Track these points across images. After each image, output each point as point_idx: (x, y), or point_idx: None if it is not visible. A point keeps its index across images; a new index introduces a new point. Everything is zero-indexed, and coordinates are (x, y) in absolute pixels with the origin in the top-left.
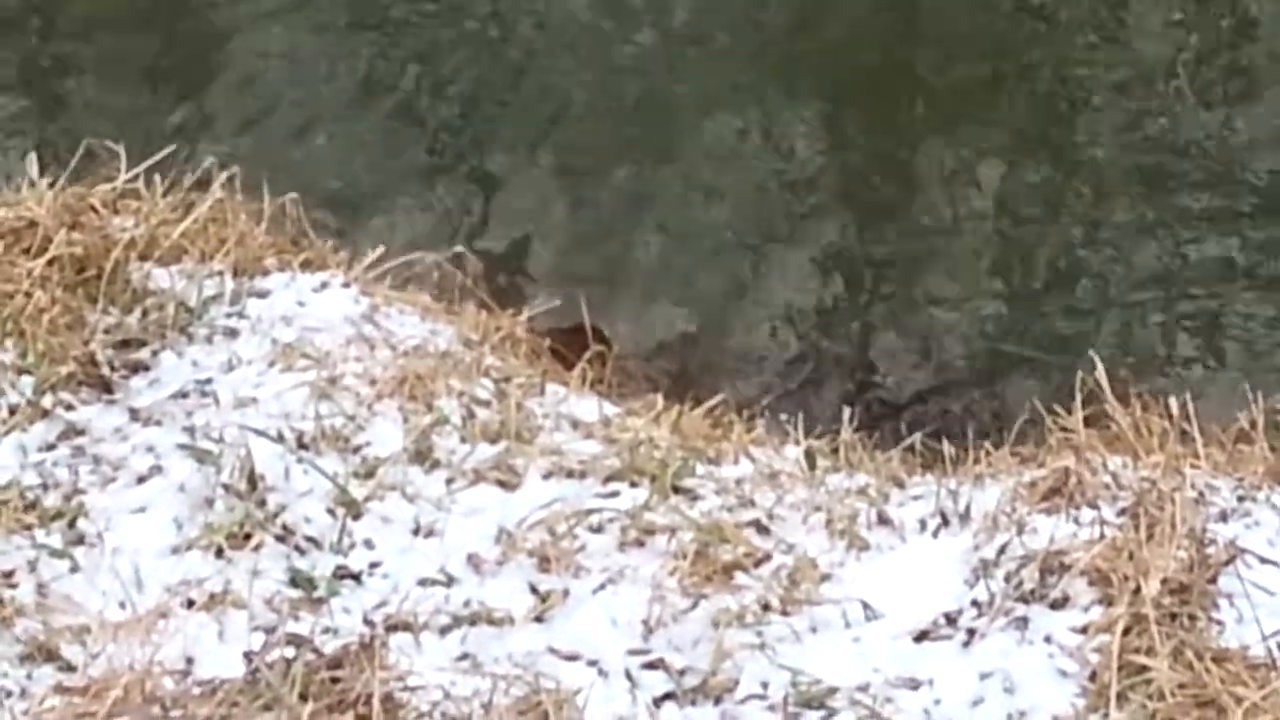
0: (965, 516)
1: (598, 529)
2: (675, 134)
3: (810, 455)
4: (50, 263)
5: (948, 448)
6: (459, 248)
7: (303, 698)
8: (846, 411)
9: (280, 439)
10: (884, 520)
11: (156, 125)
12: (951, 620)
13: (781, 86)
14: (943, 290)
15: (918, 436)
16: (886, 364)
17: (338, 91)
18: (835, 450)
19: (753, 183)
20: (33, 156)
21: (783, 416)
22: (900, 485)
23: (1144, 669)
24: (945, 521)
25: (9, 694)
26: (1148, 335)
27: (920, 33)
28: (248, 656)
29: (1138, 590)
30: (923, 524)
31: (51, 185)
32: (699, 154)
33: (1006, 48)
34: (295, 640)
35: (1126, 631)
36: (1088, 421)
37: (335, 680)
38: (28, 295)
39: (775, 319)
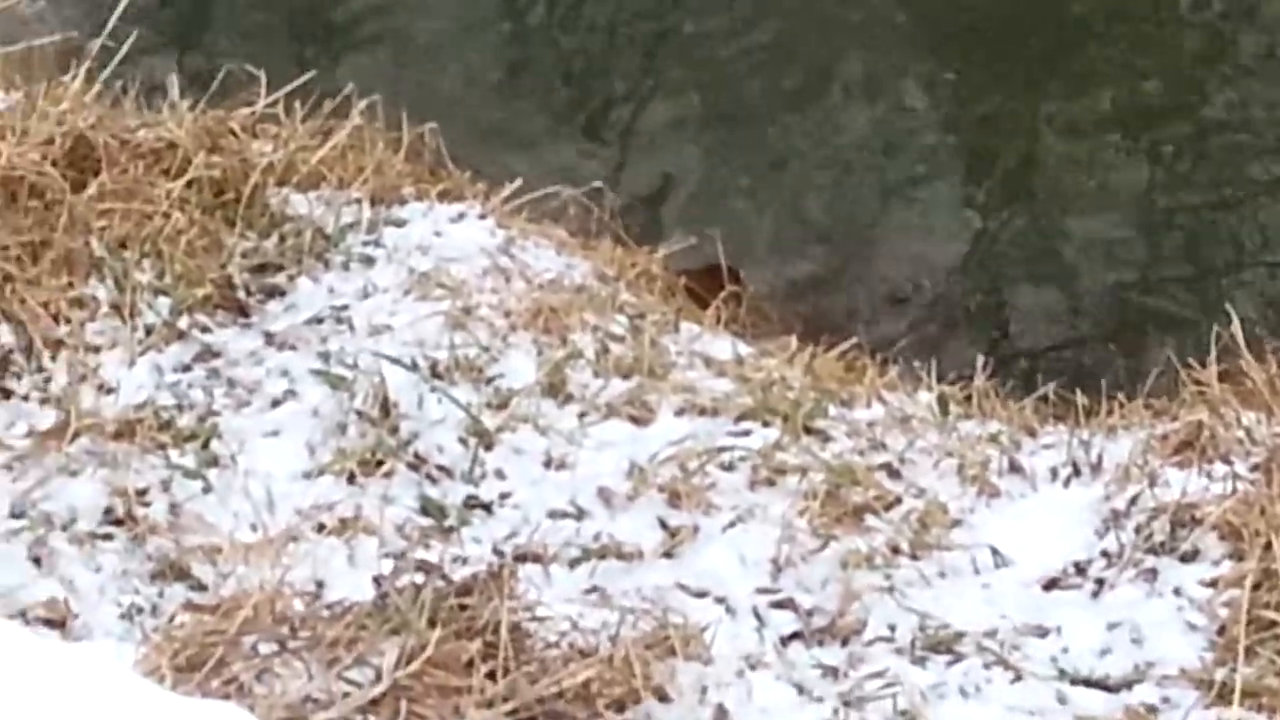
0: (1097, 467)
1: (729, 467)
2: (814, 80)
3: (943, 400)
4: (189, 185)
5: (1080, 398)
6: (597, 183)
7: (431, 624)
8: (980, 359)
9: (414, 367)
10: (1015, 468)
11: (297, 51)
12: (1081, 570)
13: (918, 36)
14: (1079, 241)
15: (1051, 386)
16: (1021, 313)
17: (480, 22)
18: (968, 397)
19: (891, 129)
20: (173, 78)
21: (915, 362)
22: (1032, 434)
23: (1273, 624)
24: (1077, 471)
25: (140, 610)
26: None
27: None
28: (377, 581)
29: (1269, 546)
30: (1054, 473)
31: (192, 108)
32: (838, 99)
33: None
34: (425, 567)
35: (1256, 586)
36: (1222, 377)
37: (464, 608)
38: (166, 216)
39: (910, 265)
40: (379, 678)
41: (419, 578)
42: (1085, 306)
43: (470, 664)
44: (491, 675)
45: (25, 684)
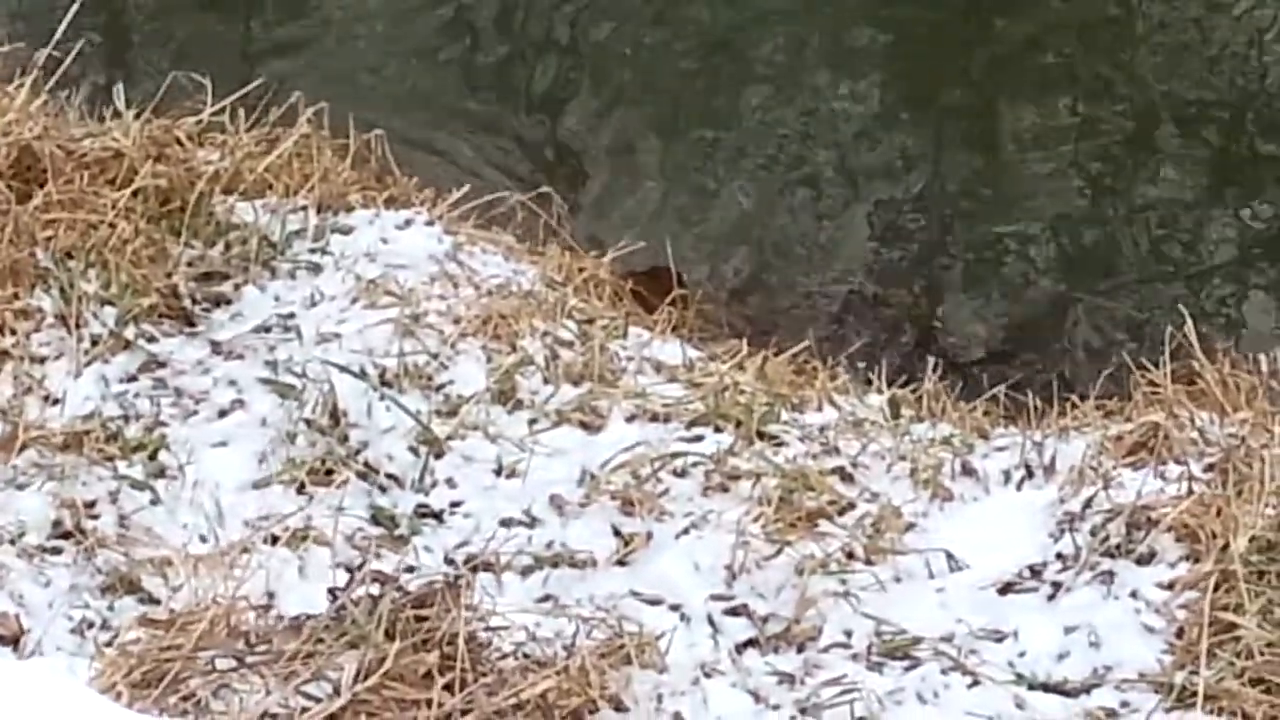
0: (1050, 469)
1: (681, 473)
2: (757, 85)
3: (894, 404)
4: (135, 194)
5: (1032, 399)
6: (544, 188)
7: (388, 636)
8: (930, 361)
9: (363, 375)
10: (968, 471)
11: (242, 60)
12: (1036, 573)
13: (861, 39)
14: (1027, 243)
15: (1002, 388)
16: (969, 315)
17: (424, 30)
18: (919, 400)
19: (833, 134)
20: (119, 87)
21: (863, 365)
22: (984, 436)
23: (1233, 626)
24: (1030, 473)
25: (90, 625)
26: (1235, 293)
27: None
28: (332, 593)
29: (1226, 547)
30: (1007, 475)
31: (137, 117)
32: (779, 104)
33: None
34: (380, 578)
35: (1214, 589)
36: (1173, 377)
37: (420, 619)
38: (112, 226)
39: (856, 267)
40: (337, 692)
41: (374, 589)
42: (1033, 308)
43: (429, 676)
44: (449, 687)
45: None
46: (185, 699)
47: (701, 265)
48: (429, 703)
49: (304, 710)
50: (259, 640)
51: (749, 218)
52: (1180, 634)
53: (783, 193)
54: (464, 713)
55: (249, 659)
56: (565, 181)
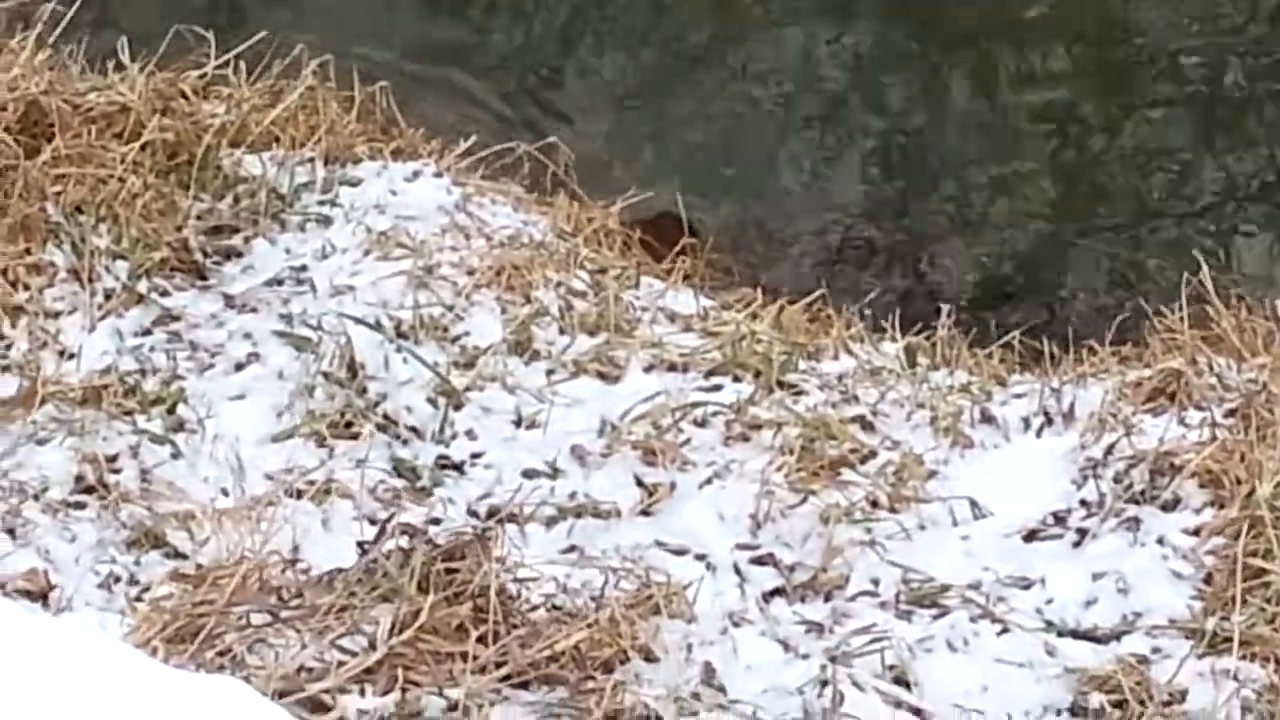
0: (1069, 415)
1: (702, 423)
2: (761, 30)
3: (910, 351)
4: (143, 148)
5: (1047, 346)
6: (551, 138)
7: (421, 589)
8: (944, 308)
9: (379, 327)
10: (987, 418)
11: (246, 11)
12: (1060, 520)
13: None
14: (1037, 188)
15: (1016, 334)
16: (979, 261)
17: None
18: (933, 347)
19: (839, 79)
20: (124, 40)
21: (873, 313)
22: (1002, 383)
23: (1262, 572)
24: (1049, 420)
25: (117, 579)
26: (1248, 237)
27: None
28: (361, 546)
29: (1251, 493)
30: (1026, 422)
31: (142, 70)
32: (783, 49)
33: None
34: (409, 530)
35: (1240, 534)
36: (1189, 323)
37: (451, 572)
38: (121, 180)
39: (863, 213)
40: (373, 645)
41: (404, 542)
42: (1045, 253)
43: (462, 629)
44: (483, 640)
45: (21, 661)
46: (220, 654)
47: (709, 213)
48: (464, 655)
49: (340, 664)
50: (292, 594)
51: (755, 164)
52: (1209, 580)
53: (788, 139)
54: (498, 665)
55: (283, 613)
56: (572, 130)
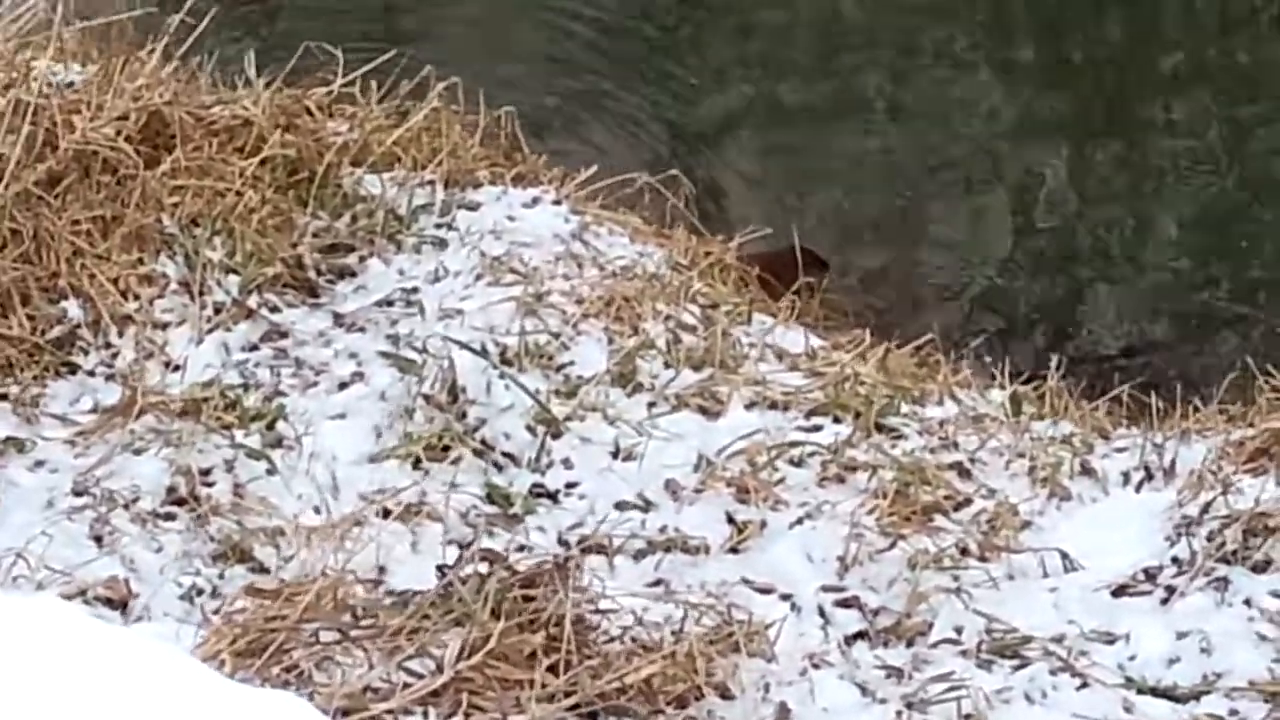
0: (1170, 472)
1: (798, 462)
2: (893, 70)
3: (1015, 400)
4: (263, 163)
5: (1155, 401)
6: (672, 170)
7: (495, 615)
8: (1054, 359)
9: (484, 353)
10: (1087, 470)
11: (376, 31)
12: (1151, 576)
13: (999, 33)
14: (1156, 242)
15: (1125, 388)
16: (1096, 314)
17: (562, 7)
18: (1041, 397)
19: (969, 123)
20: (250, 55)
21: (988, 360)
22: (1105, 436)
23: None
24: (1149, 475)
25: (200, 591)
26: None
27: None
28: (441, 570)
29: None
30: (1126, 477)
31: (268, 86)
32: (918, 98)
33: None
34: (489, 556)
35: None
36: None
37: (528, 599)
38: (239, 194)
39: (985, 262)
40: (440, 669)
41: (483, 567)
42: (1161, 308)
43: (533, 656)
44: (554, 669)
45: (83, 668)
46: (288, 669)
47: (831, 253)
48: (531, 683)
49: (406, 685)
50: (364, 614)
51: (882, 206)
52: None
53: (916, 182)
54: (567, 694)
55: (353, 632)
56: (696, 164)
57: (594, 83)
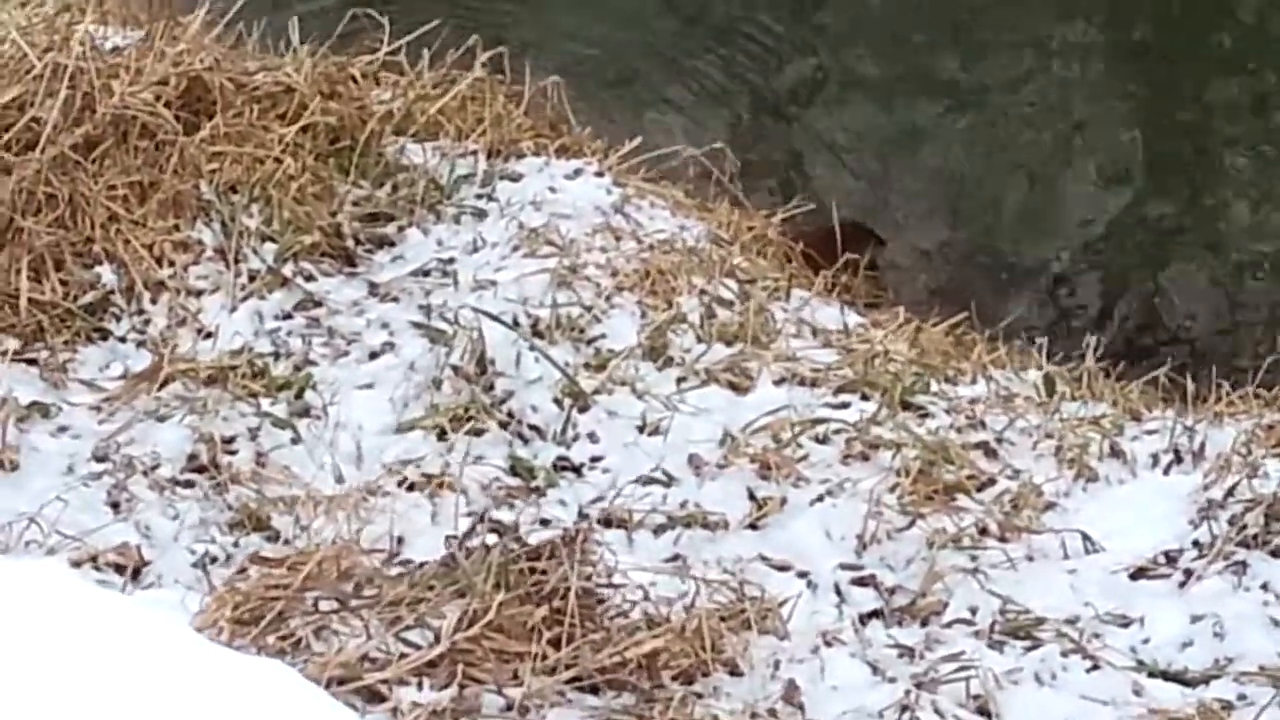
0: (1199, 455)
1: (823, 440)
2: (957, 55)
3: (1049, 380)
4: (304, 130)
5: (1191, 384)
6: (718, 144)
7: (499, 587)
8: (1091, 339)
9: (515, 325)
10: (1116, 452)
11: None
12: (1172, 560)
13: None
14: (1209, 227)
15: (1163, 371)
16: (1142, 297)
17: None
18: (1078, 379)
19: (1028, 104)
20: (294, 21)
21: (1026, 340)
22: (1137, 418)
23: None
24: (1179, 458)
25: (214, 559)
26: None
27: None
28: (449, 540)
29: None
30: (1155, 459)
31: (313, 53)
32: (980, 76)
33: None
34: (498, 528)
35: None
36: None
37: (535, 571)
38: (278, 161)
39: (1040, 242)
40: (438, 640)
41: (491, 539)
42: (1207, 292)
43: (535, 629)
44: (556, 642)
45: (66, 634)
46: (283, 638)
47: (885, 230)
48: (532, 656)
49: (403, 656)
50: (369, 584)
51: (934, 185)
52: None
53: (971, 162)
54: (568, 667)
55: (353, 602)
56: (747, 137)
57: (677, 45)
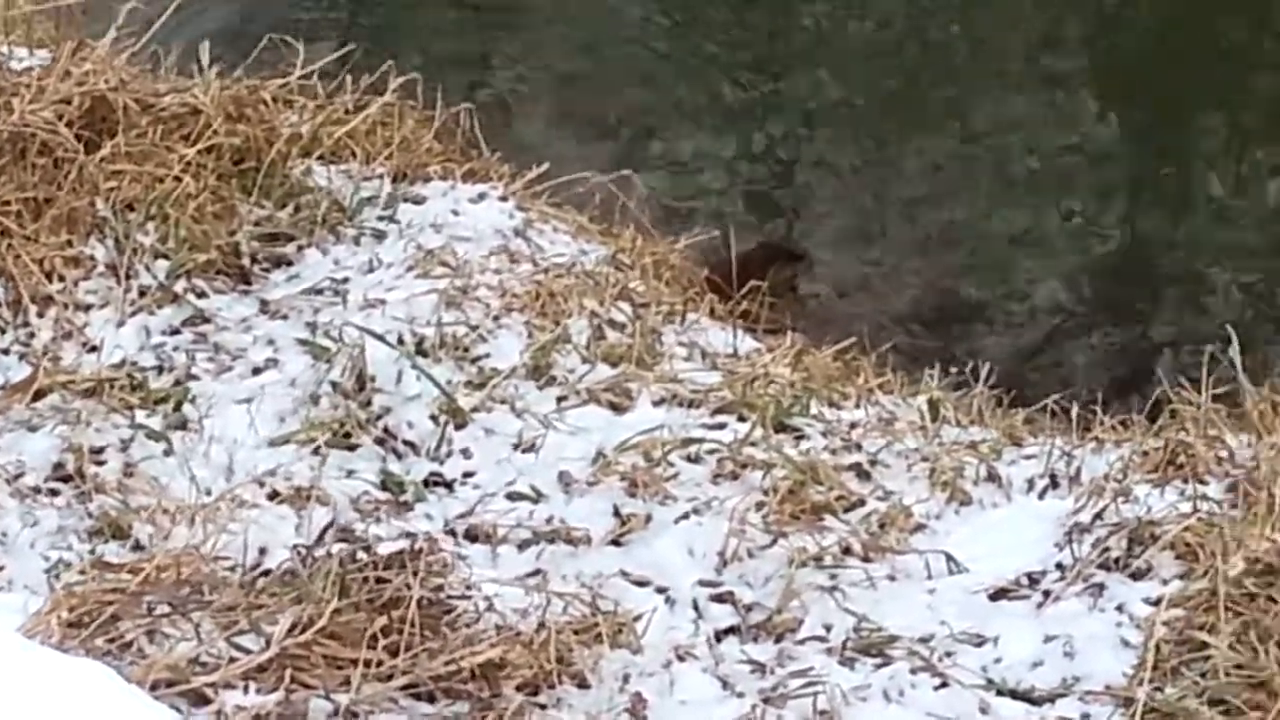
0: (1075, 480)
1: (695, 459)
2: (852, 84)
3: (933, 405)
4: (208, 150)
5: (1076, 411)
6: (626, 170)
7: (343, 594)
8: (985, 367)
9: (400, 342)
10: (993, 477)
11: (338, 24)
12: (1034, 581)
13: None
14: (1104, 258)
15: (1051, 398)
16: (1035, 323)
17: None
18: (968, 405)
19: (937, 135)
20: (205, 45)
21: (919, 366)
22: (1017, 444)
23: (1204, 646)
24: (1054, 483)
25: (67, 566)
26: None
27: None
28: (296, 550)
29: (1219, 567)
30: (1030, 484)
31: (221, 76)
32: (876, 103)
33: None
34: (348, 538)
35: (1197, 608)
36: (1225, 398)
37: (380, 581)
38: (178, 180)
39: (935, 274)
40: (269, 645)
41: (337, 549)
42: (1103, 322)
43: (373, 637)
44: (395, 650)
45: None
46: (112, 640)
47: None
48: (367, 662)
49: (232, 659)
50: (211, 590)
51: (839, 215)
52: (1157, 650)
53: (882, 193)
54: (405, 673)
55: (188, 607)
56: (652, 167)
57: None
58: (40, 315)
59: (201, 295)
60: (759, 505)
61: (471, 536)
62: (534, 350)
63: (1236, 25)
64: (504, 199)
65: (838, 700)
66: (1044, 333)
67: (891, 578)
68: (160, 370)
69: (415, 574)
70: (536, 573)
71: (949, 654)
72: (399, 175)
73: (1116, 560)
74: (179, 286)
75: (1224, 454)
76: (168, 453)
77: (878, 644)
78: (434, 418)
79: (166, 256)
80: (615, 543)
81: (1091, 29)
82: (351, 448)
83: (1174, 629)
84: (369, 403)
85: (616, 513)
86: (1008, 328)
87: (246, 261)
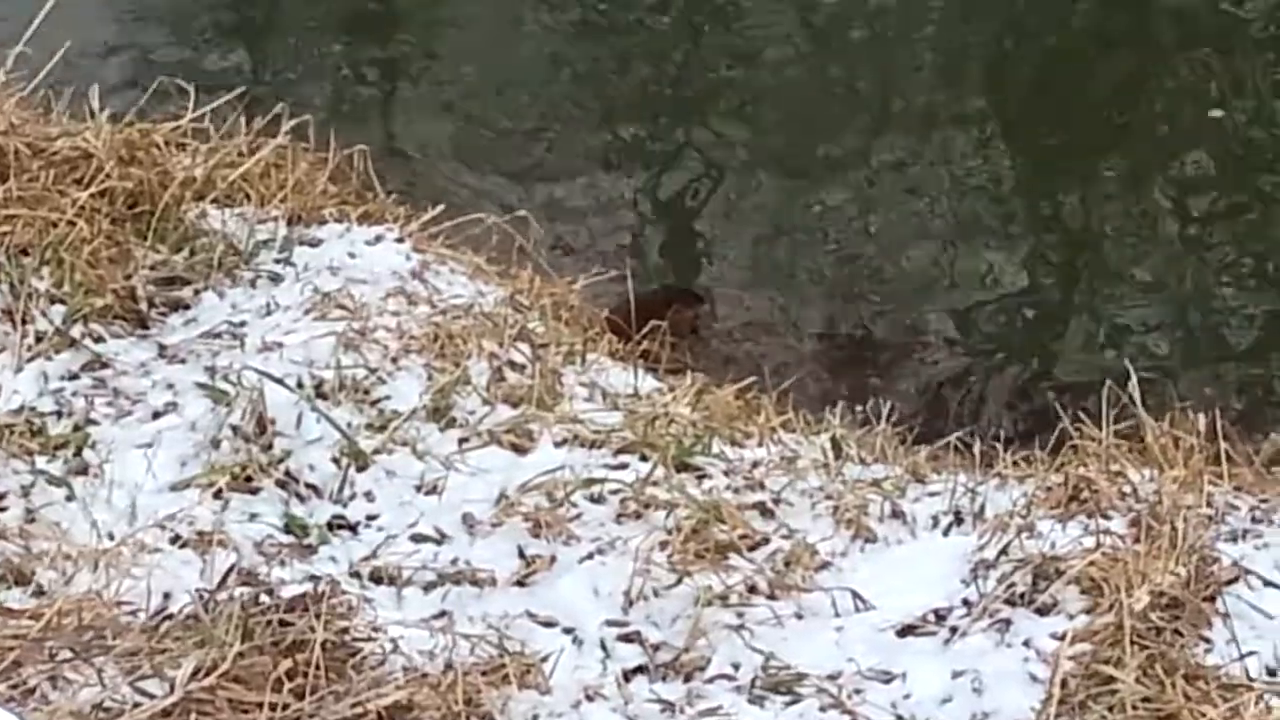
0: (979, 516)
1: (598, 499)
2: (755, 127)
3: (836, 443)
4: (101, 194)
5: (979, 447)
6: (522, 212)
7: (246, 638)
8: (887, 405)
9: (299, 386)
10: (897, 514)
11: (233, 68)
12: (941, 617)
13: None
14: (1005, 296)
15: (954, 436)
16: (937, 361)
17: (423, 49)
18: (872, 442)
19: (829, 173)
20: (95, 89)
21: (822, 405)
22: (921, 480)
23: (1111, 680)
24: (959, 520)
25: None
26: (1209, 349)
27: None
28: (199, 594)
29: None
30: (935, 520)
31: (113, 119)
32: (778, 145)
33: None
34: (250, 582)
35: (1104, 642)
36: (1126, 433)
37: (284, 624)
38: (72, 224)
39: (836, 313)
40: (173, 689)
41: (240, 592)
42: (1004, 357)
43: (278, 680)
44: (301, 693)
45: None
46: (15, 686)
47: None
48: (273, 705)
49: (137, 705)
50: (116, 635)
51: (739, 254)
52: (1064, 685)
53: (783, 234)
54: (310, 717)
55: (91, 652)
56: (549, 206)
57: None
58: None
59: (99, 340)
60: (663, 545)
61: (376, 579)
62: (434, 392)
63: (1134, 63)
64: (400, 240)
65: None
66: (946, 370)
67: (798, 616)
68: (59, 415)
69: (319, 617)
70: (442, 614)
71: (858, 691)
72: (294, 218)
73: (1022, 595)
74: (76, 331)
75: (1126, 489)
76: (69, 498)
77: (786, 682)
78: (336, 460)
79: (63, 301)
80: (520, 583)
81: (992, 69)
82: (253, 491)
83: (1080, 663)
84: (270, 446)
85: (521, 554)
86: (910, 366)
87: (143, 306)
